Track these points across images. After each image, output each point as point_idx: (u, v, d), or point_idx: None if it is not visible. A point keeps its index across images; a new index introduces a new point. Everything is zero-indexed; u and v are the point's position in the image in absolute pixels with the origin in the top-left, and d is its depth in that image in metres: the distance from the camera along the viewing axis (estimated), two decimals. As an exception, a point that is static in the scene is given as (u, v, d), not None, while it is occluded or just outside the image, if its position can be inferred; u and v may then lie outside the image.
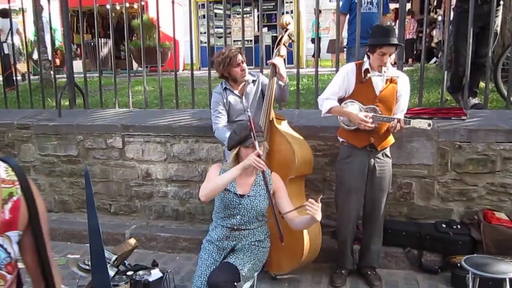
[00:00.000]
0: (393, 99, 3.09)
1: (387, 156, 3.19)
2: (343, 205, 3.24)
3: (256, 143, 2.52)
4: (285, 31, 3.38)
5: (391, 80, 3.06)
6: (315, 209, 2.32)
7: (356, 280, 3.34)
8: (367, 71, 3.07)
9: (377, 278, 3.27)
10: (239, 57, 3.36)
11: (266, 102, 3.31)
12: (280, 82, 3.33)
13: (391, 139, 3.19)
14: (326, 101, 3.15)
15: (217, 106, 3.44)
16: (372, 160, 3.13)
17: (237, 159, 2.67)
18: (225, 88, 3.47)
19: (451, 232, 3.36)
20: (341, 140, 3.26)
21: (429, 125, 2.82)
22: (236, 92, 3.46)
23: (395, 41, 2.97)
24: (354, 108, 3.06)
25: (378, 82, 3.05)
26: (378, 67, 3.01)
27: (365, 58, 3.15)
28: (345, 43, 6.49)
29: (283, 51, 3.38)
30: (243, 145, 2.60)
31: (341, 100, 3.16)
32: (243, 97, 3.46)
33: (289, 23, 3.39)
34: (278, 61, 3.28)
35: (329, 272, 3.45)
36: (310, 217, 2.41)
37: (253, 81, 3.52)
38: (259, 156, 2.49)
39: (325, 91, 3.22)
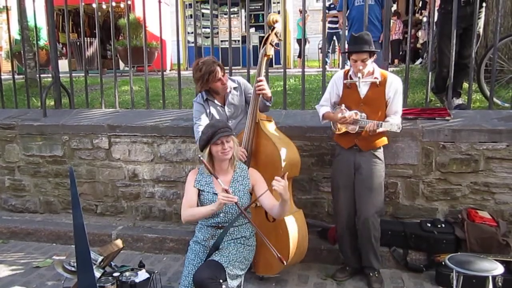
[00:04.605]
0: (381, 102, 3.14)
1: (376, 157, 3.19)
2: (335, 201, 3.34)
3: (220, 181, 2.57)
4: (272, 30, 3.24)
5: (380, 84, 3.10)
6: (281, 185, 2.38)
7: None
8: (350, 77, 3.17)
9: (377, 281, 3.23)
10: (218, 71, 3.22)
11: (252, 105, 3.23)
12: (267, 103, 3.32)
13: (380, 141, 3.20)
14: (321, 108, 3.33)
15: (200, 114, 3.33)
16: (358, 157, 3.18)
17: (212, 158, 2.71)
18: (206, 99, 3.36)
19: (435, 231, 3.40)
20: (335, 143, 3.40)
21: (399, 127, 2.96)
22: (217, 102, 3.38)
23: (362, 48, 3.00)
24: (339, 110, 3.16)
25: (362, 87, 3.13)
26: (356, 73, 3.09)
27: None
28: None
29: (270, 50, 3.26)
30: (212, 143, 2.63)
31: (336, 105, 3.27)
32: (225, 106, 3.39)
33: (277, 21, 3.26)
34: (264, 86, 3.24)
35: (316, 271, 3.47)
36: (280, 200, 2.49)
37: (235, 88, 3.41)
38: (226, 191, 2.51)
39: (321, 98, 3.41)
